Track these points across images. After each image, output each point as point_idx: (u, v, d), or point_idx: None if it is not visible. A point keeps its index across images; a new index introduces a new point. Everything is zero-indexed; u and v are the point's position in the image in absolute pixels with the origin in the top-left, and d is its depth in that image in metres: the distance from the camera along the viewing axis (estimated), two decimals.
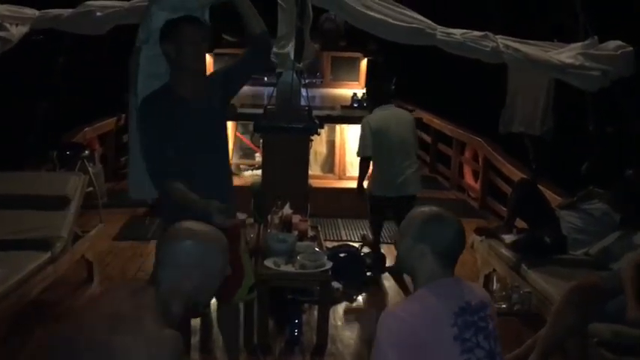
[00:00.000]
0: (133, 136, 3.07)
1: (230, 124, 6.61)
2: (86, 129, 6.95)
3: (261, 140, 5.64)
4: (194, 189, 2.68)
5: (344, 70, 7.69)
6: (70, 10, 4.19)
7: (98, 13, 4.12)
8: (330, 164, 6.93)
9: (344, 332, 4.02)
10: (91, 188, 5.49)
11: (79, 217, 4.65)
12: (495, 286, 4.61)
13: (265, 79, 6.21)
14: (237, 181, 6.39)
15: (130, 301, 1.68)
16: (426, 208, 1.99)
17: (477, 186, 7.55)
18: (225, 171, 3.01)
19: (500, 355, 1.90)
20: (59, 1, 4.42)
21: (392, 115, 4.93)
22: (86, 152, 6.00)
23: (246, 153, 7.14)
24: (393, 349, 1.77)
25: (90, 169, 5.85)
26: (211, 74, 2.95)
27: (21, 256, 3.74)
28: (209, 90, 2.82)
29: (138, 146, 2.93)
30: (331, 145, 6.91)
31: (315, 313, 3.94)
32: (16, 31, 4.18)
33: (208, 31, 2.81)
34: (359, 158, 5.00)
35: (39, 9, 4.33)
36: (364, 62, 7.77)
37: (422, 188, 5.01)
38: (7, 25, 4.13)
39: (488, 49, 4.17)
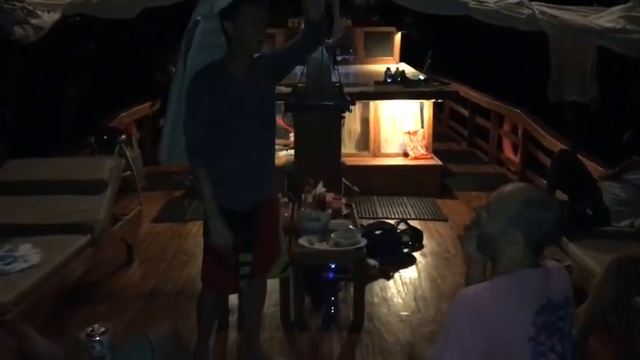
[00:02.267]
0: (174, 102, 3.10)
1: None
2: (122, 114, 7.03)
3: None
4: (241, 160, 2.83)
5: (378, 45, 7.56)
6: None
7: None
8: (364, 141, 6.82)
9: (380, 309, 4.01)
10: (129, 172, 5.58)
11: (119, 200, 4.73)
12: None
13: None
14: None
15: None
16: (525, 187, 1.77)
17: (517, 159, 7.38)
18: (272, 149, 3.10)
19: (570, 357, 1.78)
20: None
21: None
22: (123, 137, 6.04)
23: (280, 133, 7.11)
24: (464, 335, 1.65)
25: (128, 153, 5.92)
26: (259, 57, 2.94)
27: (61, 240, 3.82)
28: (258, 71, 2.86)
29: (177, 113, 2.99)
30: (365, 122, 6.81)
31: (352, 290, 3.93)
32: (48, 18, 4.24)
33: (269, 14, 2.82)
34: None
35: None
36: (398, 36, 7.65)
37: None
38: (39, 13, 4.19)
39: (523, 16, 4.02)
